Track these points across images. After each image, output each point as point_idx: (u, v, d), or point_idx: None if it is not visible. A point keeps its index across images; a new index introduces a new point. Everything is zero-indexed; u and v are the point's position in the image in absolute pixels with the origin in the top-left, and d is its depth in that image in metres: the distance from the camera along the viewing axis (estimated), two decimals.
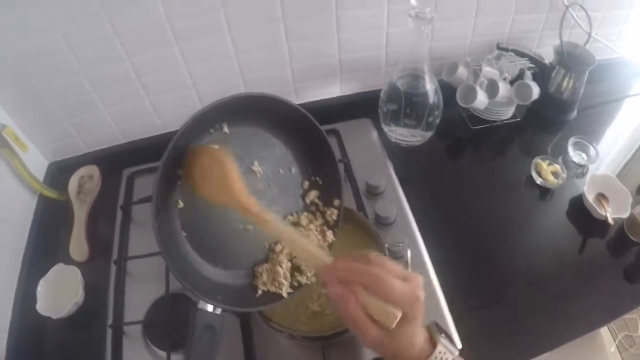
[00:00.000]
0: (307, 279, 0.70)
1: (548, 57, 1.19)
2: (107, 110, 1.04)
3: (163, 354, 0.80)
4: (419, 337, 0.51)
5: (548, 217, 1.05)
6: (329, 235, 0.73)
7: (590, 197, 1.01)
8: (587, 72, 1.14)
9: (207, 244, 0.66)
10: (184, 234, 0.64)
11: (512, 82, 1.15)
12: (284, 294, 0.67)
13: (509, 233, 1.01)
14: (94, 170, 1.08)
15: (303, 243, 0.57)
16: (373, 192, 1.00)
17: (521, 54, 1.16)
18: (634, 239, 0.96)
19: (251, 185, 0.69)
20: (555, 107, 1.22)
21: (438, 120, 1.07)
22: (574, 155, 1.13)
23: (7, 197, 0.96)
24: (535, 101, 1.14)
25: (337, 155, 1.06)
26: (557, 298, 0.89)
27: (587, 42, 1.17)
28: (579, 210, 1.03)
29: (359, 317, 0.49)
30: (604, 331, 1.68)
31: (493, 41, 1.18)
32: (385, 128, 1.13)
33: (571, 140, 1.14)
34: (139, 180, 1.09)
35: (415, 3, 0.87)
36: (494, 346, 0.83)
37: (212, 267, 0.66)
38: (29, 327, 0.88)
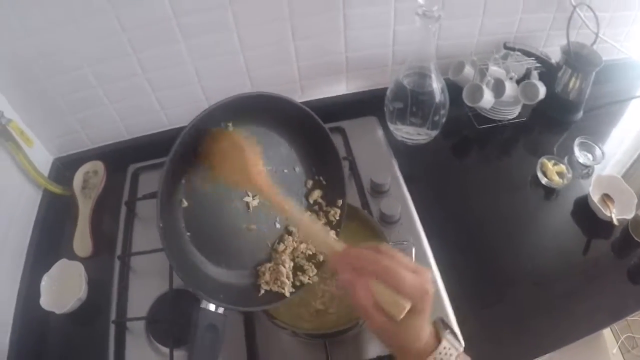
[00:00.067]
0: (309, 279, 0.70)
1: (555, 57, 1.18)
2: (112, 105, 1.04)
3: (166, 350, 0.80)
4: (426, 330, 0.52)
5: (553, 218, 1.04)
6: (332, 234, 0.72)
7: (595, 198, 1.01)
8: (594, 72, 1.13)
9: (210, 243, 0.66)
10: (188, 233, 0.64)
11: (518, 82, 1.14)
12: (287, 294, 0.68)
13: (513, 233, 1.00)
14: (98, 165, 1.08)
15: (316, 229, 0.57)
16: (378, 190, 1.00)
17: (528, 54, 1.16)
18: (639, 240, 0.96)
19: None
20: (561, 107, 1.21)
21: (444, 119, 1.06)
22: (580, 156, 1.13)
23: (12, 192, 0.96)
24: (542, 101, 1.13)
25: (343, 153, 1.07)
26: (561, 298, 0.89)
27: (594, 42, 1.16)
28: (583, 210, 1.03)
29: (368, 305, 0.49)
30: (606, 332, 1.68)
31: (500, 40, 1.17)
32: (391, 126, 1.13)
33: (577, 141, 1.13)
34: (143, 176, 1.09)
35: (423, 1, 0.87)
36: (497, 346, 0.82)
37: (215, 266, 0.67)
38: (32, 321, 0.88)
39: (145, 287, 0.89)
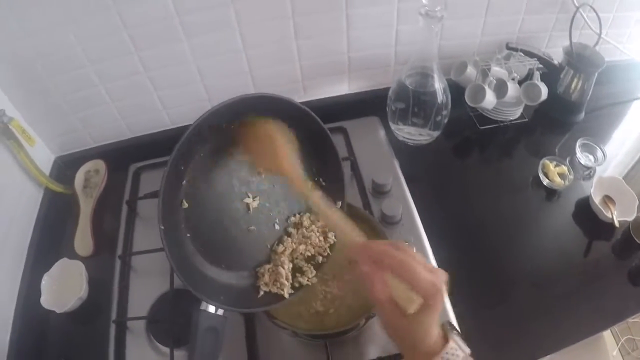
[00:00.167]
0: (308, 280, 0.70)
1: (557, 57, 1.18)
2: (114, 104, 1.04)
3: (166, 350, 0.80)
4: (434, 329, 0.52)
5: (554, 219, 1.04)
6: (331, 236, 0.73)
7: (596, 199, 1.00)
8: (596, 73, 1.13)
9: (210, 244, 0.66)
10: (188, 234, 0.64)
11: (520, 83, 1.15)
12: (286, 295, 0.68)
13: (514, 234, 1.00)
14: (100, 164, 1.08)
15: (338, 218, 0.58)
16: (379, 191, 0.99)
17: (530, 54, 1.15)
18: None
19: (256, 185, 0.70)
20: (563, 108, 1.21)
21: (446, 120, 1.06)
22: (582, 157, 1.12)
23: (13, 191, 0.96)
24: (544, 102, 1.13)
25: (344, 153, 1.07)
26: (562, 300, 0.89)
27: (596, 43, 1.16)
28: (585, 212, 1.03)
29: (384, 297, 0.51)
30: (606, 334, 1.67)
31: (502, 41, 1.17)
32: (393, 126, 1.13)
33: (579, 142, 1.13)
34: (145, 176, 1.09)
35: (426, 1, 0.87)
36: (497, 347, 0.82)
37: (215, 268, 0.67)
38: (33, 320, 0.88)
39: (146, 286, 0.89)
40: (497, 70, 1.13)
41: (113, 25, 0.89)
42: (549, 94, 1.13)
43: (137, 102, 1.05)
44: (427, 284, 0.49)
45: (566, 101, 1.19)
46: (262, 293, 0.68)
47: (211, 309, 0.63)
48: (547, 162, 1.08)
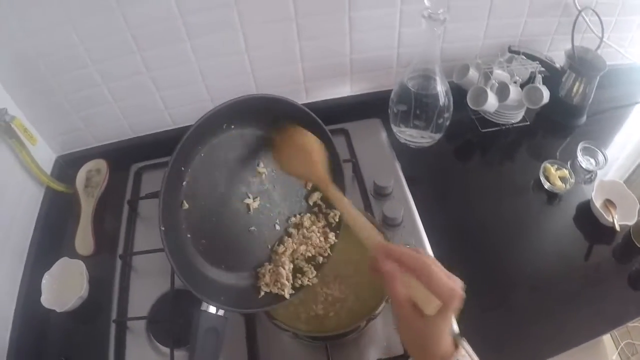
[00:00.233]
0: (308, 280, 0.70)
1: (559, 61, 1.18)
2: (116, 104, 1.04)
3: (166, 350, 0.80)
4: (447, 334, 0.53)
5: (555, 222, 1.04)
6: (331, 237, 0.73)
7: (597, 203, 1.00)
8: (598, 77, 1.13)
9: (211, 245, 0.66)
10: (188, 235, 0.64)
11: (522, 86, 1.15)
12: (286, 295, 0.68)
13: (515, 237, 1.00)
14: (101, 164, 1.08)
15: (363, 221, 0.60)
16: (381, 193, 0.99)
17: (532, 58, 1.16)
18: None
19: (256, 186, 0.69)
20: (565, 111, 1.21)
21: (448, 122, 1.06)
22: (583, 161, 1.12)
23: (15, 189, 0.96)
24: (545, 105, 1.13)
25: (346, 155, 1.07)
26: (562, 303, 0.89)
27: (598, 47, 1.16)
28: (586, 215, 1.03)
29: (403, 296, 0.52)
30: (606, 338, 1.67)
31: (504, 44, 1.17)
32: (395, 129, 1.13)
33: (580, 146, 1.13)
34: (146, 176, 1.09)
35: (429, 4, 0.87)
36: (497, 350, 0.82)
37: (215, 268, 0.67)
38: (33, 319, 0.88)
39: (147, 286, 0.89)
40: (499, 73, 1.13)
41: (116, 25, 0.89)
42: (550, 97, 1.13)
43: (139, 102, 1.05)
44: (446, 287, 0.50)
45: (568, 104, 1.19)
46: (262, 293, 0.68)
47: (212, 309, 0.63)
48: (549, 165, 1.08)
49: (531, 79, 1.16)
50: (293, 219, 0.73)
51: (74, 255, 0.95)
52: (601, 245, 0.99)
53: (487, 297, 0.90)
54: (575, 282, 0.92)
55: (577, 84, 1.15)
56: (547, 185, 1.06)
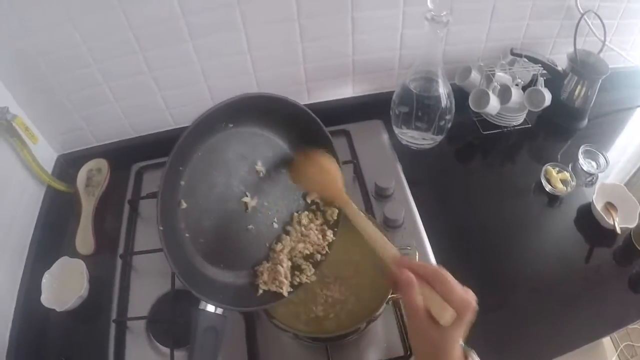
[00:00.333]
0: (307, 278, 0.70)
1: (561, 64, 1.18)
2: (118, 103, 1.04)
3: (166, 350, 0.79)
4: (459, 345, 0.54)
5: (556, 225, 1.04)
6: (329, 234, 0.73)
7: (598, 206, 1.01)
8: (600, 80, 1.13)
9: (209, 244, 0.66)
10: (187, 234, 0.64)
11: (524, 88, 1.14)
12: (285, 293, 0.68)
13: (516, 239, 1.00)
14: (102, 163, 1.08)
15: (380, 236, 0.61)
16: (382, 194, 0.99)
17: (534, 60, 1.16)
18: None
19: (254, 184, 0.69)
20: (566, 114, 1.21)
21: (449, 124, 1.06)
22: (584, 164, 1.13)
23: (16, 188, 0.96)
24: (547, 108, 1.13)
25: (347, 156, 1.07)
26: (562, 305, 0.89)
27: (600, 50, 1.16)
28: (587, 218, 1.03)
29: (419, 305, 0.53)
30: (605, 340, 1.67)
31: (507, 46, 1.17)
32: (397, 130, 1.13)
33: (581, 149, 1.13)
34: (147, 175, 1.09)
35: (432, 6, 0.87)
36: (497, 351, 0.82)
37: (214, 267, 0.67)
38: (33, 318, 0.88)
39: (147, 286, 0.89)
40: (501, 76, 1.13)
41: (118, 24, 0.89)
42: (552, 100, 1.13)
43: (140, 102, 1.05)
44: (461, 297, 0.52)
45: (569, 107, 1.19)
46: (261, 292, 0.68)
47: (210, 308, 0.63)
48: (550, 168, 1.08)
49: (533, 81, 1.16)
50: (291, 216, 0.73)
51: (74, 254, 0.95)
52: (602, 248, 0.99)
53: (488, 299, 0.88)
54: (575, 284, 0.92)
55: (579, 87, 1.16)
56: (548, 187, 1.06)
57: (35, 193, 1.03)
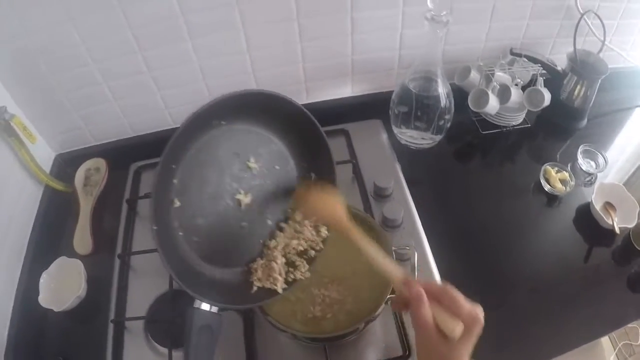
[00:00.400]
0: (301, 274, 0.70)
1: (561, 64, 1.18)
2: (116, 103, 1.04)
3: (164, 350, 0.79)
4: (467, 358, 0.54)
5: (555, 224, 1.04)
6: (323, 230, 0.72)
7: (597, 206, 1.01)
8: (600, 80, 1.13)
9: (203, 242, 0.66)
10: (180, 233, 0.64)
11: (524, 88, 1.14)
12: (279, 290, 0.68)
13: (515, 239, 1.00)
14: (101, 163, 1.08)
15: (384, 258, 0.61)
16: (381, 194, 0.99)
17: (534, 60, 1.15)
18: None
19: (247, 181, 0.69)
20: (566, 114, 1.21)
21: (449, 124, 1.06)
22: (583, 164, 1.13)
23: (13, 188, 0.96)
24: (546, 108, 1.13)
25: (346, 155, 1.07)
26: (561, 305, 0.89)
27: (600, 50, 1.16)
28: (585, 218, 1.03)
29: (429, 319, 0.53)
30: (604, 339, 1.67)
31: (506, 46, 1.17)
32: (396, 130, 1.13)
33: (581, 148, 1.13)
34: (145, 175, 1.08)
35: (432, 6, 0.87)
36: (495, 351, 0.82)
37: (208, 265, 0.66)
38: (31, 318, 0.88)
39: (145, 286, 0.89)
40: (500, 76, 1.13)
41: (117, 24, 0.88)
42: (551, 100, 1.13)
43: (139, 101, 1.05)
44: (468, 313, 0.52)
45: (569, 107, 1.19)
46: (255, 289, 0.68)
47: (205, 306, 0.63)
48: (549, 167, 1.08)
49: (532, 81, 1.16)
50: (285, 213, 0.73)
51: (72, 254, 0.94)
52: (601, 248, 0.99)
53: (487, 298, 0.88)
54: (574, 284, 0.92)
55: (578, 87, 1.16)
56: (547, 187, 1.06)
57: (33, 193, 1.02)
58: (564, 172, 1.08)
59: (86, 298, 0.89)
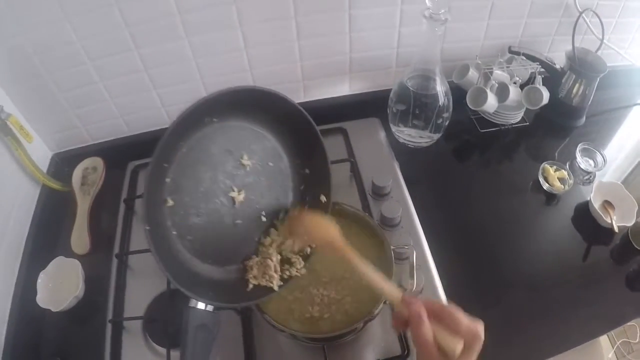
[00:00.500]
0: (297, 271, 0.70)
1: (559, 62, 1.18)
2: (113, 101, 1.04)
3: (163, 350, 0.79)
4: None
5: (553, 223, 1.04)
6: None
7: (596, 204, 1.00)
8: (598, 78, 1.13)
9: (197, 241, 0.66)
10: (174, 232, 0.63)
11: (522, 86, 1.14)
12: (275, 287, 0.68)
13: (513, 237, 1.00)
14: (98, 162, 1.08)
15: (381, 279, 0.61)
16: (379, 193, 0.99)
17: (532, 58, 1.15)
18: (639, 248, 0.96)
19: (241, 178, 0.69)
20: (564, 112, 1.21)
21: (447, 122, 1.06)
22: (582, 162, 1.12)
23: (10, 187, 0.96)
24: (545, 106, 1.13)
25: (344, 154, 1.06)
26: (559, 304, 0.89)
27: (599, 48, 1.16)
28: (584, 216, 1.03)
29: (429, 338, 0.53)
30: (602, 337, 1.67)
31: (505, 44, 1.17)
32: (394, 128, 1.12)
33: (579, 147, 1.13)
34: (143, 174, 1.08)
35: (430, 4, 0.86)
36: (494, 350, 0.81)
37: (203, 264, 0.66)
38: (29, 318, 0.87)
39: (143, 286, 0.88)
40: (499, 74, 1.13)
41: (114, 22, 0.88)
42: (550, 98, 1.13)
43: (136, 100, 1.05)
44: (468, 328, 0.52)
45: (567, 106, 1.19)
46: (251, 286, 0.68)
47: (201, 305, 0.63)
48: (547, 166, 1.08)
49: (531, 79, 1.16)
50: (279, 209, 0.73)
51: (69, 254, 0.94)
52: (599, 246, 0.99)
53: (485, 297, 0.90)
54: (573, 282, 0.92)
55: (577, 85, 1.15)
56: (545, 186, 1.06)
57: (30, 192, 1.02)
58: (563, 170, 1.08)
59: (84, 298, 0.88)
